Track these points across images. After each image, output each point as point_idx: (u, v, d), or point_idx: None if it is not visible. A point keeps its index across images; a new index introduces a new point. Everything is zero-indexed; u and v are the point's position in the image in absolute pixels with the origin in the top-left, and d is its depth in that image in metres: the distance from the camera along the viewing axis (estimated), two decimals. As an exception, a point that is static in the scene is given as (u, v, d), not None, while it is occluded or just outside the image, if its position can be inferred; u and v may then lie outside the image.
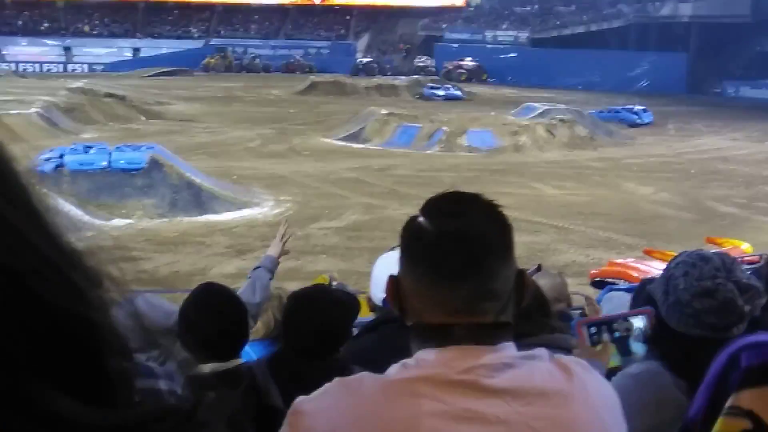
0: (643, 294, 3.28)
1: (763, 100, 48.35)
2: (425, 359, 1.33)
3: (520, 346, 1.38)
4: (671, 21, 59.53)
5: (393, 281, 1.38)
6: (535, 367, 1.33)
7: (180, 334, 2.91)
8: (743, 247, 10.04)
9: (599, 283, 9.52)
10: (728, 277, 2.10)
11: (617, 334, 2.60)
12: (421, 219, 1.36)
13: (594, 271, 11.03)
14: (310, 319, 2.87)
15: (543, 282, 3.75)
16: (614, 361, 2.64)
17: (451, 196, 1.39)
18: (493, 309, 1.33)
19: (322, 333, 2.85)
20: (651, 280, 3.19)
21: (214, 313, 2.88)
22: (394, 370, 1.35)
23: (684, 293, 2.11)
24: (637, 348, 2.59)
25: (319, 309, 2.90)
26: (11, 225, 0.50)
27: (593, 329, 2.59)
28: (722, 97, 51.20)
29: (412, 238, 1.36)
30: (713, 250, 2.23)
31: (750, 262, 5.61)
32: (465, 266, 1.31)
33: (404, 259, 1.37)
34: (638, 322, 2.58)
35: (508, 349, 1.34)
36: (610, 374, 2.59)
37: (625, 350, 2.59)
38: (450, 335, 1.32)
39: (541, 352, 1.38)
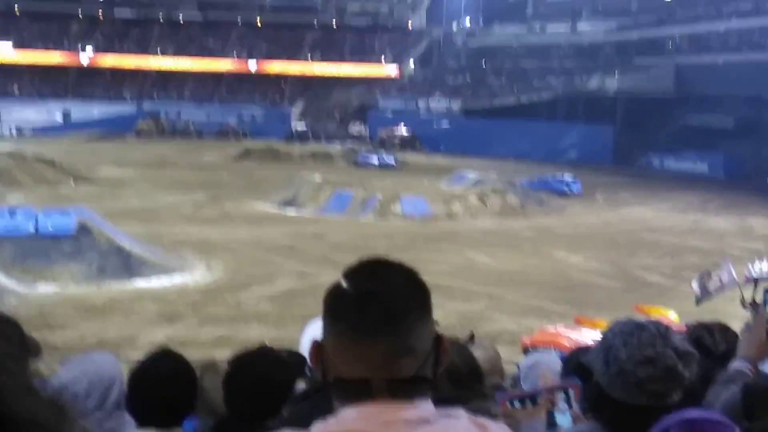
0: (572, 365, 3.30)
1: (686, 172, 49.96)
2: (345, 415, 1.36)
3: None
4: (598, 95, 61.37)
5: (316, 345, 1.42)
6: (452, 425, 1.37)
7: (126, 397, 2.86)
8: (670, 316, 10.25)
9: (531, 351, 9.59)
10: (666, 344, 2.14)
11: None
12: (342, 282, 1.41)
13: (525, 339, 11.13)
14: (251, 380, 2.83)
15: (477, 354, 3.76)
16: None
17: (371, 262, 1.45)
18: (411, 366, 1.36)
19: (264, 394, 2.80)
20: (583, 350, 3.21)
21: (160, 379, 2.82)
22: (315, 427, 1.37)
23: (626, 363, 2.12)
24: (562, 420, 2.59)
25: (261, 370, 2.86)
26: None
27: (517, 404, 2.60)
28: (648, 169, 52.70)
29: (333, 300, 1.41)
30: (645, 318, 2.27)
31: (677, 331, 5.71)
32: (383, 323, 1.35)
33: (326, 321, 1.42)
34: (563, 395, 2.60)
35: (426, 406, 1.38)
36: None
37: (550, 423, 2.61)
38: (368, 390, 1.35)
39: (459, 411, 1.42)
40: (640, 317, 2.30)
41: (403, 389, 1.36)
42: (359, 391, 1.36)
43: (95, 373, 2.95)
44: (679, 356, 2.13)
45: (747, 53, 52.60)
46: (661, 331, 2.18)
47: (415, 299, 1.40)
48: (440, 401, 1.41)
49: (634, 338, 2.14)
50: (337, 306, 1.40)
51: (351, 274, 1.42)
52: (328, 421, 1.37)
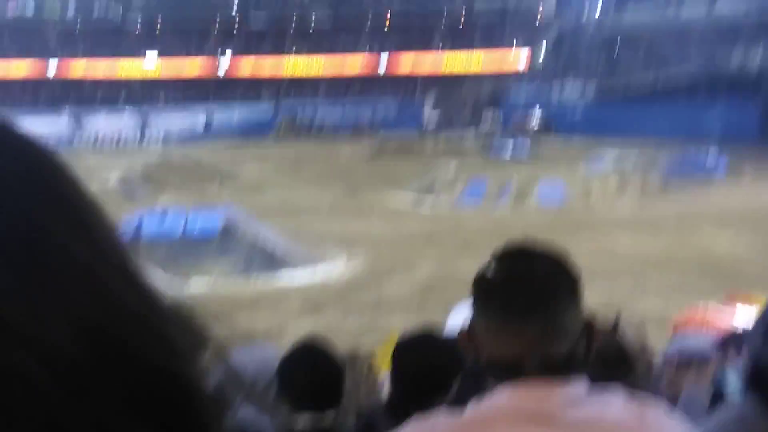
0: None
1: (841, 144, 47.10)
2: (499, 395, 1.37)
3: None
4: (740, 71, 58.68)
5: (467, 327, 1.46)
6: (608, 403, 1.37)
7: (278, 388, 2.98)
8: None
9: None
10: None
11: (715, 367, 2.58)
12: (490, 266, 1.44)
13: (676, 320, 10.81)
14: (420, 362, 2.86)
15: (626, 336, 3.70)
16: (712, 392, 2.61)
17: (518, 245, 1.47)
18: (562, 346, 1.37)
19: (433, 376, 2.83)
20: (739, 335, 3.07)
21: (309, 367, 2.95)
22: (470, 408, 1.40)
23: None
24: (732, 379, 2.54)
25: (429, 352, 2.89)
26: (103, 281, 0.51)
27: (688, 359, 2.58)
28: (799, 143, 50.00)
29: (483, 283, 1.44)
30: None
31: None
32: (533, 305, 1.37)
33: (476, 303, 1.45)
34: (736, 358, 2.54)
35: (580, 385, 1.38)
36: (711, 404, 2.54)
37: (721, 381, 2.56)
38: (522, 370, 1.37)
39: (615, 390, 1.41)
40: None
41: (555, 368, 1.37)
42: (512, 370, 1.37)
43: (261, 361, 3.09)
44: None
45: None
46: None
47: (564, 282, 1.42)
48: (591, 382, 1.40)
49: None
50: (486, 289, 1.43)
51: (500, 257, 1.44)
52: (483, 401, 1.39)
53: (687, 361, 2.65)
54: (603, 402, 1.36)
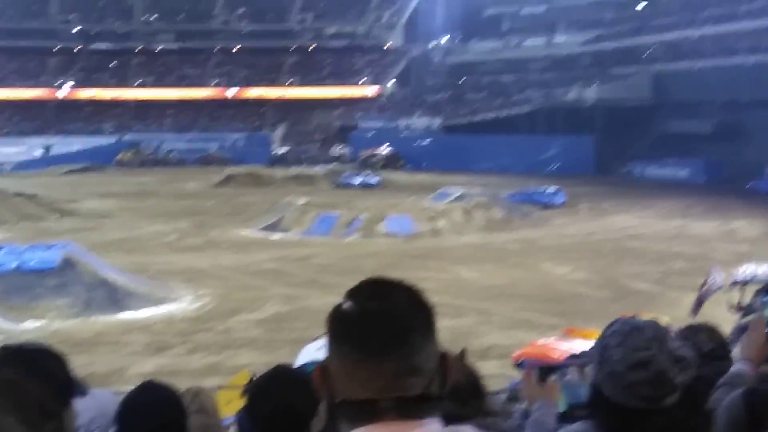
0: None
1: (668, 179, 50.23)
2: None
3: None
4: (577, 106, 61.66)
5: (320, 368, 1.41)
6: None
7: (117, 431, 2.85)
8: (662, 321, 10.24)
9: (522, 365, 9.60)
10: (661, 348, 2.09)
11: (566, 380, 2.65)
12: (345, 303, 1.40)
13: (516, 353, 11.14)
14: (277, 400, 2.77)
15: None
16: (563, 405, 2.67)
17: (374, 281, 1.44)
18: (418, 385, 1.35)
19: (291, 416, 2.74)
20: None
21: (150, 413, 2.81)
22: None
23: (618, 364, 2.08)
24: (580, 395, 2.61)
25: (287, 391, 2.79)
26: None
27: (542, 372, 2.65)
28: (630, 177, 52.93)
29: (338, 321, 1.40)
30: (646, 320, 2.21)
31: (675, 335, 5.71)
32: (388, 343, 1.35)
33: (331, 343, 1.41)
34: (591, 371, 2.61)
35: (434, 425, 1.36)
36: (560, 419, 2.61)
37: (573, 396, 2.63)
38: (376, 410, 1.34)
39: (467, 428, 1.42)
40: (642, 319, 2.25)
41: (410, 409, 1.35)
42: (367, 412, 1.34)
43: (96, 409, 2.94)
44: (674, 361, 2.09)
45: (721, 59, 53.15)
46: (659, 334, 2.13)
47: (419, 317, 1.39)
48: (444, 419, 1.39)
49: (629, 339, 2.10)
50: (341, 327, 1.39)
51: (354, 294, 1.41)
52: None
53: (540, 378, 2.72)
54: None
